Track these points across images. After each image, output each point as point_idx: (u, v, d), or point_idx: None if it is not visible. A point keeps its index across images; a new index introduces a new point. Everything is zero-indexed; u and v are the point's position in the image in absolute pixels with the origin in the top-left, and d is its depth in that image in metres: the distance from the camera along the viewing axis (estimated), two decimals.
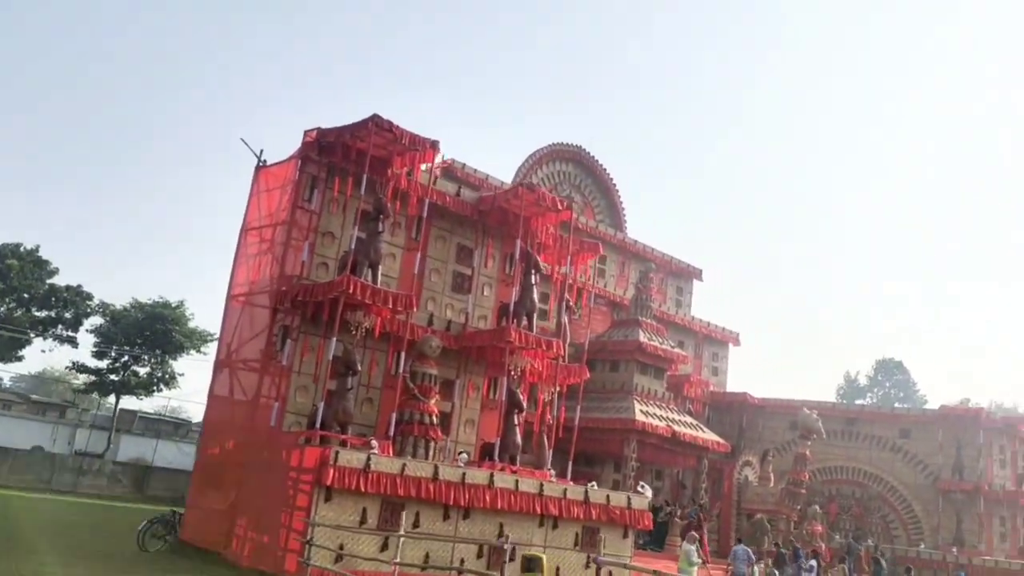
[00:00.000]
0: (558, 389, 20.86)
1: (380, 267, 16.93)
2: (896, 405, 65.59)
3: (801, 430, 28.55)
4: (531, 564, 14.35)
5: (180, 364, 52.78)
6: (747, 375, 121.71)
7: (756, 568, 19.58)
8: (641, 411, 31.27)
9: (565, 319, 21.24)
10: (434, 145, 17.01)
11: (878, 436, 38.77)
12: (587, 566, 17.28)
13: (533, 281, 18.61)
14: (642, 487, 19.44)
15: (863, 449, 38.76)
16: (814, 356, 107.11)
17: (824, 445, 39.16)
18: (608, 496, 17.79)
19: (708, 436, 32.88)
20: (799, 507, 28.34)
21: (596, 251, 21.51)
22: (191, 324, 46.63)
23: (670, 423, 31.79)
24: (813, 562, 21.84)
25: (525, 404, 19.99)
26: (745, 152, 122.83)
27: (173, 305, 46.38)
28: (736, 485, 30.53)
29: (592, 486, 19.43)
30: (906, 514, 37.30)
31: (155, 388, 46.23)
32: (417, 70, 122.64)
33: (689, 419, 33.63)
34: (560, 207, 19.08)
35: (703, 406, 38.71)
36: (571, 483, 18.37)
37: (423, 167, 17.79)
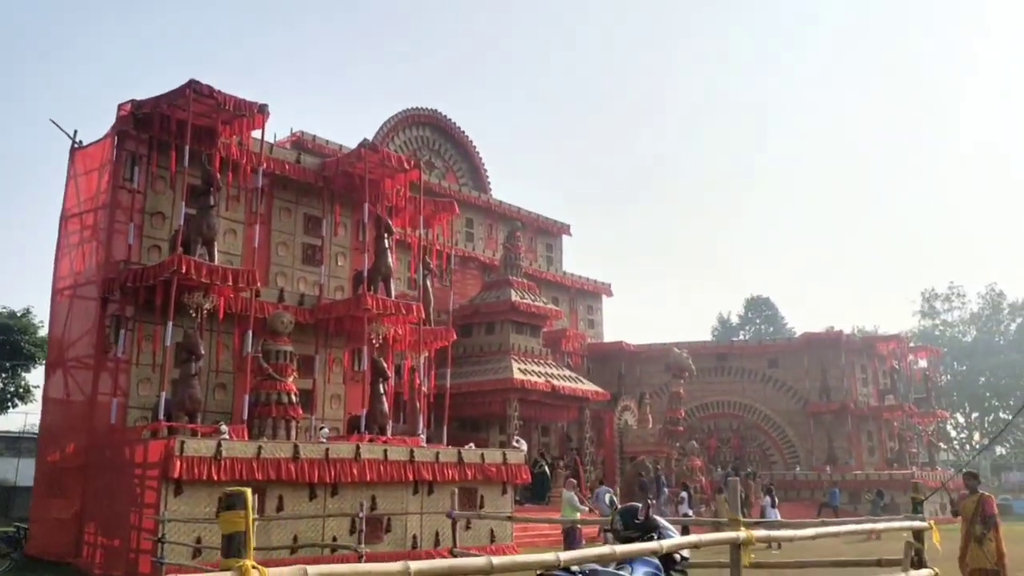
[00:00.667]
0: (426, 354, 20.32)
1: (216, 243, 15.89)
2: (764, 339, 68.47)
3: (673, 369, 29.17)
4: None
5: (35, 376, 49.34)
6: (625, 324, 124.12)
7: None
8: (519, 369, 31.23)
9: (429, 283, 20.69)
10: (262, 109, 16.00)
11: (749, 369, 40.22)
12: (466, 528, 16.97)
13: (387, 245, 17.96)
14: (517, 441, 19.29)
15: (736, 382, 40.14)
16: (689, 300, 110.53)
17: (699, 383, 40.31)
18: (483, 454, 17.50)
19: (587, 387, 33.22)
20: (678, 444, 29.01)
21: (452, 211, 21.02)
22: (42, 332, 43.53)
23: (549, 378, 31.91)
24: (684, 493, 22.32)
25: (391, 372, 19.44)
26: (605, 101, 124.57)
27: (19, 314, 43.12)
28: (617, 430, 30.99)
29: (470, 447, 19.13)
30: (781, 440, 38.95)
31: (9, 404, 43.03)
32: (263, 43, 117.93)
33: (568, 372, 33.88)
34: (407, 166, 18.44)
35: (581, 358, 39.14)
36: (445, 447, 17.98)
37: (255, 134, 16.75)
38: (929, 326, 70.85)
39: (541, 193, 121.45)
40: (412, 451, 16.30)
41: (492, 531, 17.56)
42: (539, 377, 31.65)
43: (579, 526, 16.84)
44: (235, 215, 17.74)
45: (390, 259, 17.92)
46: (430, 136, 39.11)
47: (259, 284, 16.29)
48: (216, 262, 15.71)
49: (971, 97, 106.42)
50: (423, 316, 18.15)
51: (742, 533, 4.45)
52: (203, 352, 15.42)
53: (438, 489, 16.67)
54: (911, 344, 39.99)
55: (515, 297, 32.62)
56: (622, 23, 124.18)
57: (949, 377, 67.07)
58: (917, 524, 5.84)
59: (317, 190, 18.69)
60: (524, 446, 20.51)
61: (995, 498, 10.67)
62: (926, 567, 5.75)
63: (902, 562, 5.75)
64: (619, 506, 6.31)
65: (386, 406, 17.29)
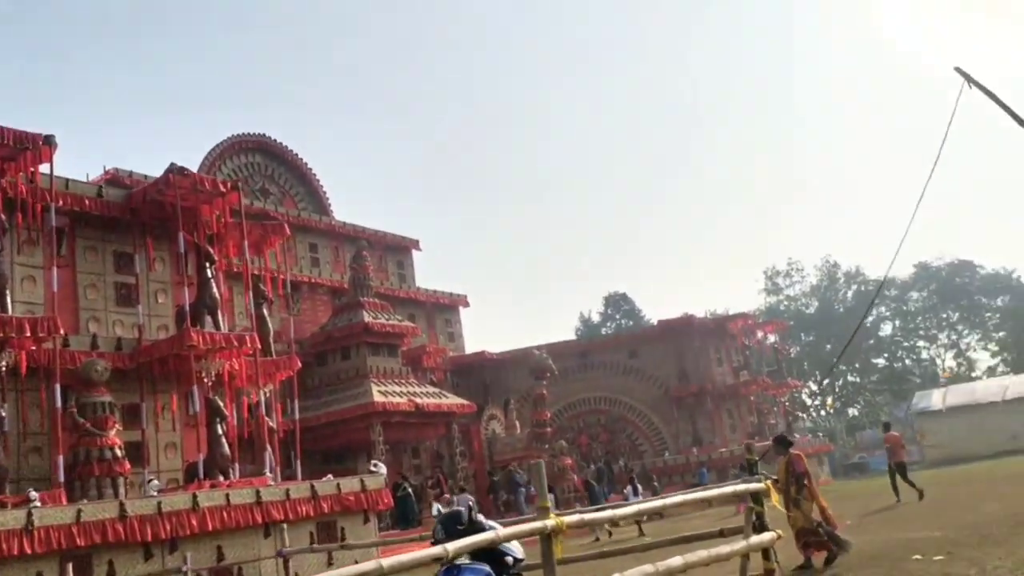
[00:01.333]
0: (270, 387, 19.11)
1: (10, 292, 14.27)
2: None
3: (535, 372, 28.99)
4: None
5: None
6: (489, 334, 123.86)
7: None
8: (380, 392, 30.25)
9: (266, 311, 19.50)
10: (48, 140, 14.51)
11: (610, 362, 40.71)
12: (328, 565, 15.94)
13: (209, 275, 16.71)
14: (375, 465, 18.40)
15: (599, 378, 40.53)
16: (551, 303, 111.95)
17: (564, 383, 40.44)
18: (339, 485, 16.51)
19: (452, 401, 32.59)
20: (547, 446, 28.81)
21: (282, 233, 19.94)
22: None
23: (412, 397, 31.08)
24: (550, 495, 22.03)
25: (231, 411, 18.15)
26: (444, 112, 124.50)
27: None
28: (485, 440, 30.48)
29: (327, 479, 18.09)
30: (648, 428, 39.58)
31: None
32: (78, 79, 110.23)
33: (432, 389, 33.15)
34: (224, 189, 17.22)
35: (445, 373, 38.46)
36: (298, 482, 16.89)
37: (43, 169, 15.19)
38: (774, 302, 74.47)
39: (388, 211, 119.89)
40: (259, 492, 15.13)
41: (356, 561, 16.56)
42: (401, 397, 30.76)
43: None
44: (32, 259, 16.06)
45: (215, 290, 16.69)
46: (261, 162, 37.57)
47: (65, 332, 14.75)
48: (11, 312, 14.10)
49: (798, 66, 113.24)
50: (259, 347, 16.97)
51: (550, 521, 3.91)
52: (4, 414, 13.77)
53: (292, 529, 15.55)
54: (759, 320, 41.53)
55: (368, 318, 31.62)
56: (456, 23, 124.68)
57: (798, 348, 70.61)
58: (753, 486, 5.53)
59: (125, 224, 17.20)
60: (383, 470, 19.61)
61: (804, 456, 10.73)
62: (767, 530, 5.43)
63: (744, 529, 5.41)
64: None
65: (227, 448, 16.04)
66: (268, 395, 18.87)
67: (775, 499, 6.40)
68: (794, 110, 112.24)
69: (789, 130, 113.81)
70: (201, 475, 15.67)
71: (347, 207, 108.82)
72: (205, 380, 16.18)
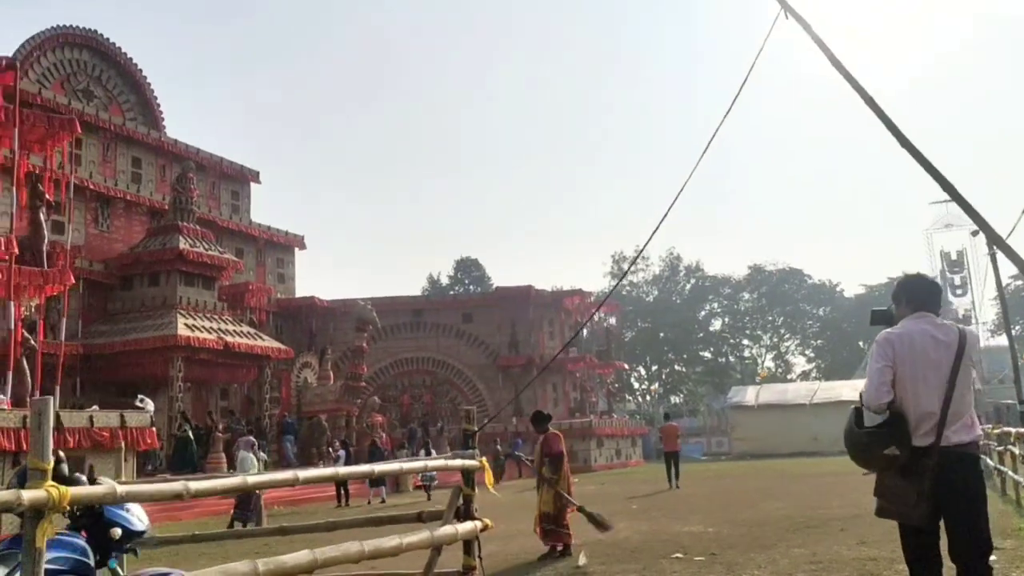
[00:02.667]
0: (35, 302, 16.89)
1: None
2: None
3: (357, 323, 27.65)
4: None
5: None
6: (329, 283, 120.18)
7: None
8: (186, 325, 28.08)
9: (43, 215, 17.17)
10: None
11: (444, 324, 39.84)
12: None
13: None
14: (141, 401, 16.66)
15: (431, 338, 39.61)
16: (401, 261, 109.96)
17: (395, 339, 39.33)
18: (91, 418, 14.71)
19: (268, 344, 30.76)
20: (359, 401, 27.59)
21: (72, 130, 17.55)
22: None
23: (223, 335, 29.05)
24: (342, 452, 20.98)
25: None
26: (306, 44, 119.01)
27: None
28: (295, 389, 28.90)
29: (94, 409, 16.19)
30: (472, 394, 39.03)
31: None
32: None
33: (248, 329, 31.16)
34: None
35: (268, 315, 36.41)
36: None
37: None
38: (618, 287, 75.71)
39: (232, 140, 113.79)
40: None
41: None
42: (210, 334, 28.70)
43: (258, 492, 14.84)
44: None
45: None
46: (89, 61, 34.03)
47: None
48: None
49: (652, 59, 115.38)
50: (15, 251, 14.78)
51: (39, 493, 2.53)
52: None
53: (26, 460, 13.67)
54: (592, 299, 41.80)
55: (184, 244, 29.26)
56: None
57: (633, 333, 72.31)
58: (465, 462, 4.57)
59: None
60: (150, 407, 17.84)
61: (561, 436, 10.19)
62: (474, 518, 4.49)
63: (445, 513, 4.43)
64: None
65: None
66: (32, 311, 16.65)
67: (488, 481, 5.48)
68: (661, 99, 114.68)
69: (653, 123, 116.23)
70: None
71: (185, 128, 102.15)
72: None
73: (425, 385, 39.25)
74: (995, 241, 4.13)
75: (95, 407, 17.54)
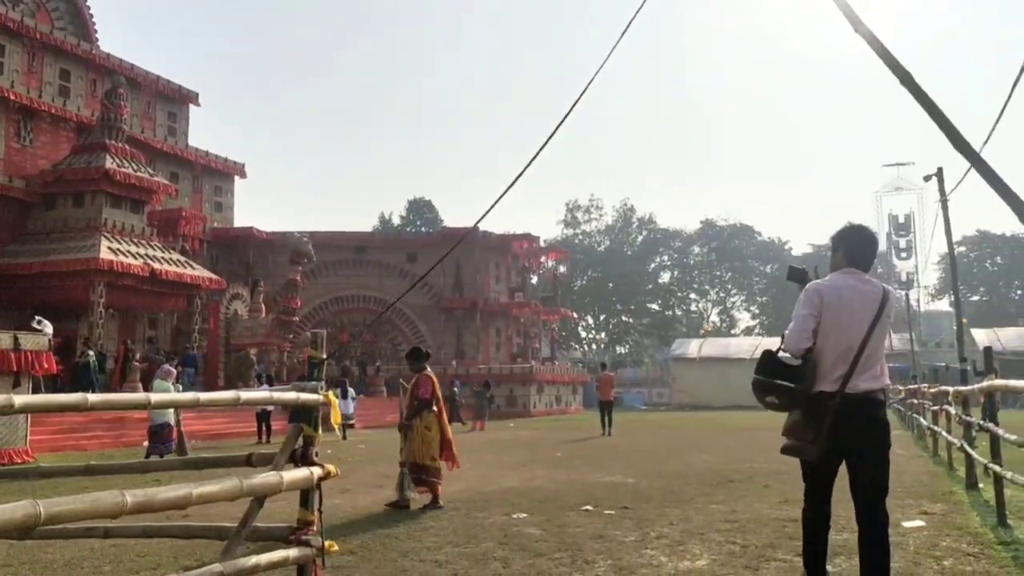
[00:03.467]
0: None
1: None
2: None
3: (292, 255, 26.53)
4: None
5: None
6: (270, 214, 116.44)
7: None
8: (110, 249, 26.71)
9: None
10: None
11: (387, 262, 38.88)
12: None
13: None
14: (39, 322, 15.56)
15: (373, 276, 38.66)
16: (351, 198, 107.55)
17: (335, 276, 38.32)
18: None
19: (197, 273, 29.52)
20: (291, 336, 26.63)
21: None
22: None
23: (149, 261, 27.74)
24: (265, 386, 20.11)
25: None
26: None
27: None
28: (224, 320, 27.79)
29: (13, 332, 15.01)
30: (413, 335, 38.30)
31: None
32: None
33: (178, 257, 29.83)
34: None
35: (202, 243, 34.99)
36: None
37: None
38: (571, 234, 75.18)
39: (170, 57, 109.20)
40: None
41: None
42: (136, 259, 27.37)
43: (172, 423, 14.26)
44: None
45: None
46: None
47: None
48: None
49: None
50: None
51: None
52: None
53: None
54: (542, 245, 41.12)
55: (110, 164, 27.69)
56: None
57: (583, 282, 72.06)
58: (304, 396, 3.79)
59: None
60: (48, 329, 16.76)
61: (434, 378, 8.91)
62: (313, 464, 3.72)
63: (277, 457, 3.64)
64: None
65: None
66: None
67: (335, 418, 4.71)
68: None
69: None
70: None
71: (120, 43, 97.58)
72: None
73: (365, 324, 38.35)
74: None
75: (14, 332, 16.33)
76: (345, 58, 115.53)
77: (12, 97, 28.58)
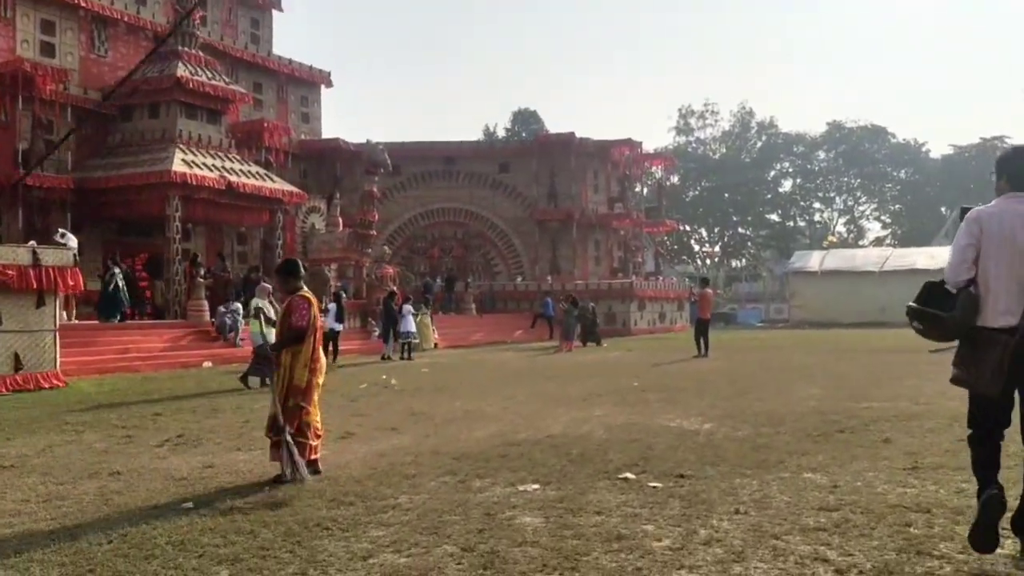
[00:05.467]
0: None
1: None
2: None
3: (367, 165, 24.79)
4: None
5: None
6: (365, 126, 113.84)
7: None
8: (184, 161, 25.65)
9: None
10: None
11: (479, 173, 36.81)
12: None
13: None
14: (62, 236, 14.36)
15: (464, 188, 36.73)
16: (453, 111, 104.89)
17: (425, 188, 36.64)
18: None
19: (277, 186, 28.21)
20: (369, 251, 25.11)
21: None
22: None
23: (226, 173, 26.56)
24: (331, 305, 18.63)
25: None
26: None
27: None
28: (301, 235, 26.54)
29: (31, 245, 13.93)
30: (506, 249, 36.41)
31: None
32: None
33: (256, 170, 28.58)
34: None
35: (286, 156, 33.78)
36: None
37: None
38: (683, 142, 70.94)
39: None
40: None
41: (17, 356, 12.79)
42: (212, 171, 26.23)
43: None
44: None
45: None
46: None
47: None
48: None
49: None
50: None
51: None
52: None
53: None
54: (645, 151, 37.92)
55: (183, 72, 26.43)
56: None
57: (696, 192, 68.13)
58: None
59: None
60: (72, 243, 15.57)
61: (313, 300, 6.44)
62: None
63: None
64: None
65: None
66: None
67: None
68: None
69: None
70: None
71: None
72: None
73: (456, 238, 36.69)
74: None
75: (32, 242, 15.30)
76: None
77: (83, 5, 27.55)
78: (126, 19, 29.17)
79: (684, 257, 69.52)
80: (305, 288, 6.56)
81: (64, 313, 19.44)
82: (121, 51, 29.51)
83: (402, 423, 9.00)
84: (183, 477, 6.25)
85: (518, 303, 33.95)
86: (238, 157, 28.44)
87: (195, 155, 26.59)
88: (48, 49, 26.94)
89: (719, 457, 6.67)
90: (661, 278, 38.58)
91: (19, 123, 25.34)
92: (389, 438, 8.01)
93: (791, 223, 69.09)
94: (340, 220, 26.20)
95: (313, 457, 6.20)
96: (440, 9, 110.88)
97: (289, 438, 5.94)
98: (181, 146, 26.36)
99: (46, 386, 13.07)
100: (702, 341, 19.44)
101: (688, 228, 67.01)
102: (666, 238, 50.73)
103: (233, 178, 26.69)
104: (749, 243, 69.87)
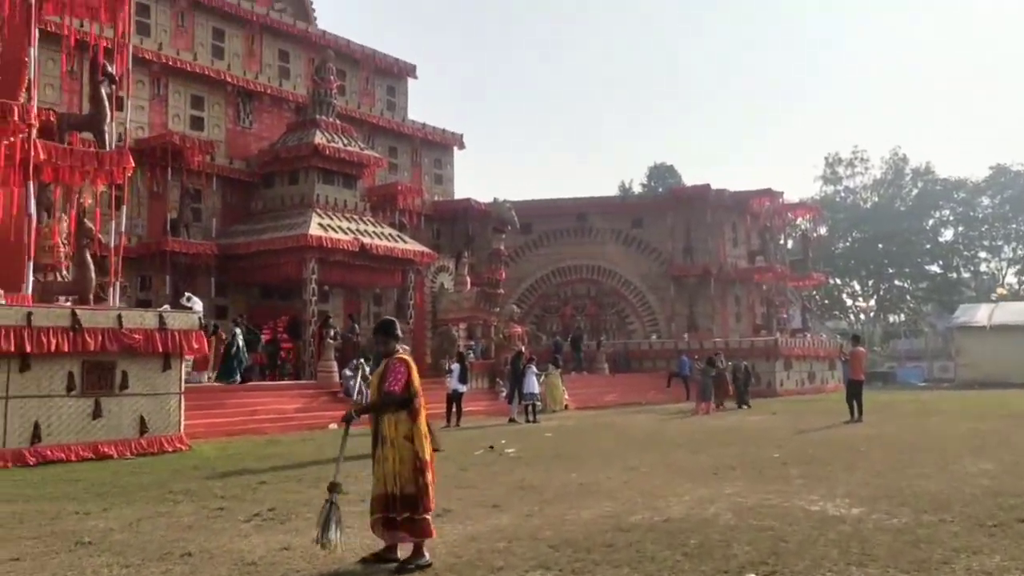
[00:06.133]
0: (103, 188, 15.14)
1: None
2: None
3: (495, 223, 24.57)
4: None
5: None
6: (495, 184, 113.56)
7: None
8: (320, 224, 26.31)
9: (105, 91, 15.18)
10: None
11: (611, 229, 36.06)
12: (95, 416, 12.36)
13: None
14: (187, 299, 14.61)
15: (596, 244, 36.03)
16: (586, 167, 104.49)
17: (556, 245, 36.25)
18: (120, 316, 12.65)
19: (409, 246, 28.48)
20: (497, 310, 24.74)
21: None
22: None
23: (360, 236, 27.05)
24: (455, 366, 18.18)
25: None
26: None
27: None
28: (431, 295, 26.52)
29: (161, 309, 14.32)
30: (640, 306, 35.28)
31: None
32: None
33: (389, 231, 29.01)
34: None
35: (419, 217, 34.27)
36: (55, 306, 13.15)
37: None
38: (831, 192, 67.77)
39: (387, 33, 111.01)
40: None
41: (143, 419, 12.96)
42: (346, 234, 26.76)
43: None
44: None
45: None
46: None
47: None
48: None
49: None
50: (32, 122, 12.65)
51: None
52: None
53: (39, 364, 11.88)
54: (791, 202, 35.95)
55: (320, 139, 27.32)
56: None
57: (847, 244, 64.67)
58: None
59: None
60: (198, 306, 15.83)
61: (412, 363, 5.78)
62: None
63: None
64: None
65: None
66: (87, 199, 14.88)
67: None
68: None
69: (861, 16, 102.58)
70: None
71: (338, 20, 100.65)
72: None
73: (589, 295, 35.91)
74: None
75: (166, 306, 15.77)
76: (573, 23, 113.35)
77: (230, 80, 29.09)
78: (269, 92, 30.60)
79: (836, 312, 65.81)
80: (404, 351, 6.00)
81: (206, 375, 20.10)
82: (265, 122, 30.90)
83: (507, 498, 8.24)
84: (252, 562, 5.73)
85: (653, 362, 32.67)
86: (372, 219, 28.99)
87: (331, 219, 27.26)
88: (197, 122, 28.52)
89: (867, 554, 5.53)
90: (809, 335, 36.27)
91: (169, 193, 26.81)
92: (488, 517, 7.26)
93: (954, 274, 64.17)
94: (468, 279, 26.04)
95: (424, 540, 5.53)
96: (571, 67, 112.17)
97: (335, 498, 5.45)
98: (318, 210, 27.12)
99: (169, 449, 13.15)
100: (855, 404, 17.76)
101: (839, 281, 63.46)
102: (814, 292, 48.05)
103: (367, 240, 27.14)
104: (907, 296, 65.36)
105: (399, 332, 6.07)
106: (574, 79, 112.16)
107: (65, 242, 15.99)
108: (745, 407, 23.31)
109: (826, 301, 63.80)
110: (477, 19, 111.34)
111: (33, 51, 14.23)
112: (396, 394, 5.63)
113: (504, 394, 21.76)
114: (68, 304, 14.91)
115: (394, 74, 36.81)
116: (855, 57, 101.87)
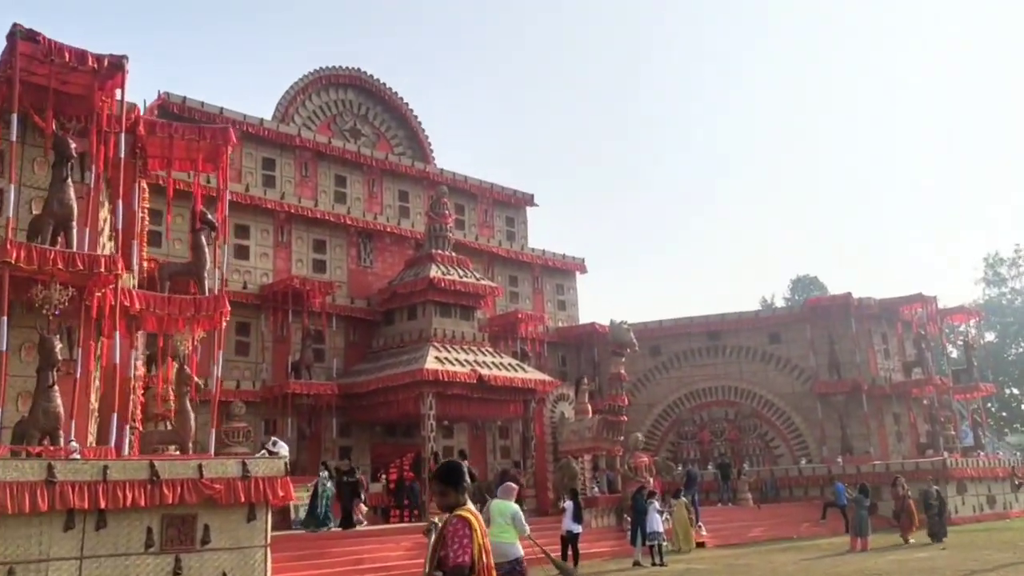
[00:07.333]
0: (201, 334, 15.10)
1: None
2: None
3: (613, 345, 23.23)
4: None
5: None
6: (621, 306, 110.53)
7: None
8: (436, 358, 25.81)
9: (205, 239, 15.40)
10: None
11: (746, 346, 33.87)
12: (175, 574, 11.66)
13: (65, 176, 12.72)
14: (273, 443, 13.94)
15: (731, 364, 33.84)
16: (730, 281, 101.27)
17: (688, 367, 34.34)
18: (200, 466, 12.09)
19: (528, 376, 27.49)
20: (621, 438, 23.07)
21: (227, 140, 15.59)
22: None
23: (477, 367, 26.33)
24: (569, 503, 16.59)
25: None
26: (575, 61, 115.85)
27: None
28: (551, 425, 25.18)
29: (246, 457, 13.81)
30: (786, 428, 32.46)
31: None
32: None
33: (508, 361, 28.20)
34: (98, 66, 13.04)
35: (542, 344, 33.41)
36: (129, 458, 12.72)
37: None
38: (995, 294, 62.47)
39: (504, 165, 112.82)
40: (51, 466, 11.01)
41: (225, 574, 12.16)
42: (463, 366, 26.11)
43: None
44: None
45: (70, 196, 12.66)
46: (354, 100, 34.04)
47: None
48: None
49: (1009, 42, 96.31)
50: (121, 269, 12.67)
51: None
52: None
53: (115, 520, 11.37)
54: (939, 306, 32.69)
55: (435, 273, 27.26)
56: None
57: (1020, 349, 58.83)
58: None
59: None
60: (284, 450, 15.08)
61: (475, 522, 4.64)
62: None
63: None
64: None
65: (60, 404, 12.04)
66: (188, 346, 14.81)
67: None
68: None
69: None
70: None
71: (454, 158, 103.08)
72: (46, 311, 12.25)
73: (728, 419, 33.47)
74: None
75: (277, 445, 15.23)
76: (696, 136, 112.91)
77: (351, 223, 29.82)
78: (389, 230, 31.17)
79: (1017, 425, 59.26)
80: (469, 505, 4.80)
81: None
82: (387, 260, 31.35)
83: None
84: None
85: (805, 490, 29.63)
86: (490, 350, 28.33)
87: (448, 351, 26.77)
88: (319, 265, 29.19)
89: None
90: (983, 453, 32.19)
91: (292, 335, 27.16)
92: None
93: None
94: (589, 407, 24.60)
95: None
96: (696, 188, 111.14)
97: None
98: (435, 344, 26.73)
99: None
100: None
101: (1016, 391, 57.45)
102: (987, 404, 43.23)
103: (484, 371, 26.38)
104: None
105: (464, 480, 4.87)
106: (702, 196, 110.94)
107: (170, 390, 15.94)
108: (943, 540, 20.29)
109: (1004, 414, 57.63)
110: (595, 145, 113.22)
111: (139, 205, 14.62)
112: (464, 567, 4.47)
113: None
114: (172, 453, 14.73)
115: (512, 204, 37.04)
116: (1007, 158, 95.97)
